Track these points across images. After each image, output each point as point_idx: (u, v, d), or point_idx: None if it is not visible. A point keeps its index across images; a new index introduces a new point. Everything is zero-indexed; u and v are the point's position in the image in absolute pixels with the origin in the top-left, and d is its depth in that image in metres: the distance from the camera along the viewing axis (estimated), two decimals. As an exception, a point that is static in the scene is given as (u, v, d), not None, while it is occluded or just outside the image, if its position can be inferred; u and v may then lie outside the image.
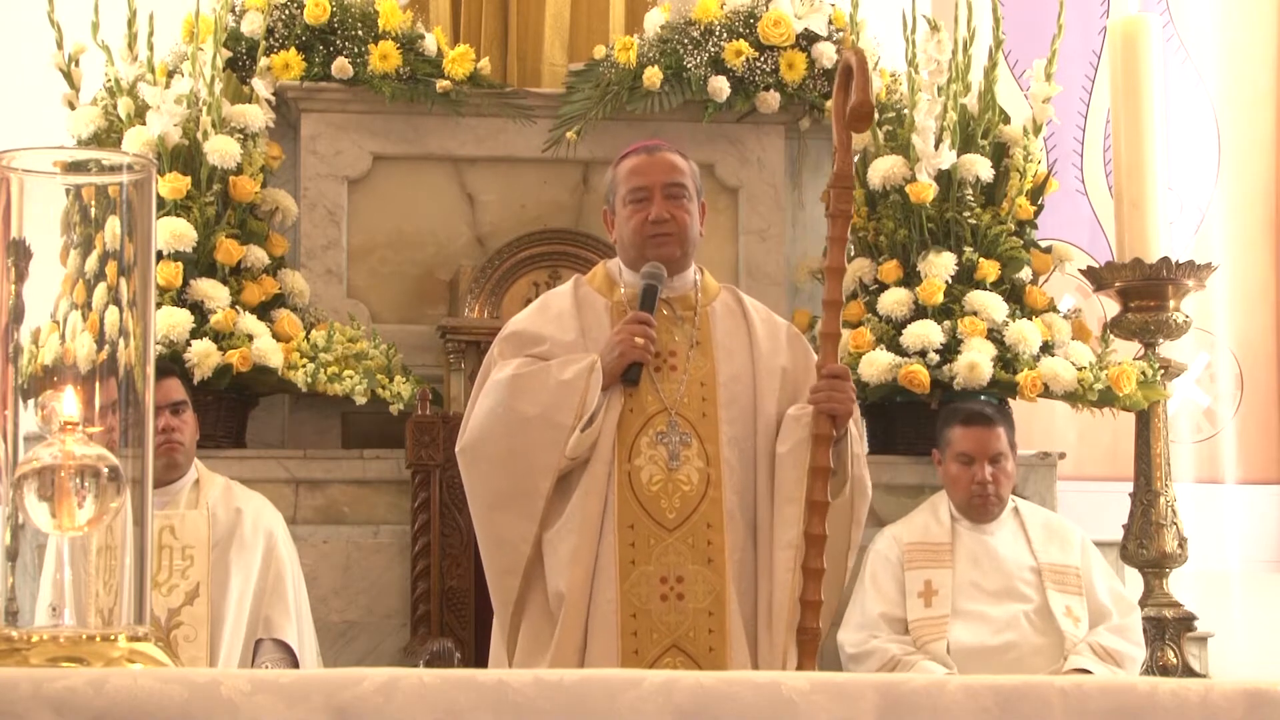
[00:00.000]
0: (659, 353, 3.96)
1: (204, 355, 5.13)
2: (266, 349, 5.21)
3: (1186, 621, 5.64)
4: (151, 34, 5.48)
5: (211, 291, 5.28)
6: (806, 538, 3.76)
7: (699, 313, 4.04)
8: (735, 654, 3.82)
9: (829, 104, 5.78)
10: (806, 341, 4.17)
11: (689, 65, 5.68)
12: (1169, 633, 5.58)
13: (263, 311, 5.36)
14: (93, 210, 2.22)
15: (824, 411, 3.81)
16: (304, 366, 5.25)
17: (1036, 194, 5.78)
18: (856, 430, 3.97)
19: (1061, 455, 5.69)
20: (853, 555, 3.98)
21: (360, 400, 5.25)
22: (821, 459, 3.79)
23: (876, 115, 5.68)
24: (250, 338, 5.22)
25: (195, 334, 5.18)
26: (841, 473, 3.88)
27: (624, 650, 3.77)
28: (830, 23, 5.85)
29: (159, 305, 5.16)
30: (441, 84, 5.63)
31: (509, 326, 4.06)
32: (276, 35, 5.66)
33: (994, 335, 5.47)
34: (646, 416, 3.91)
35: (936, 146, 5.58)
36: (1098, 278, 5.79)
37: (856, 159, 5.81)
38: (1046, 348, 5.53)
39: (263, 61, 5.59)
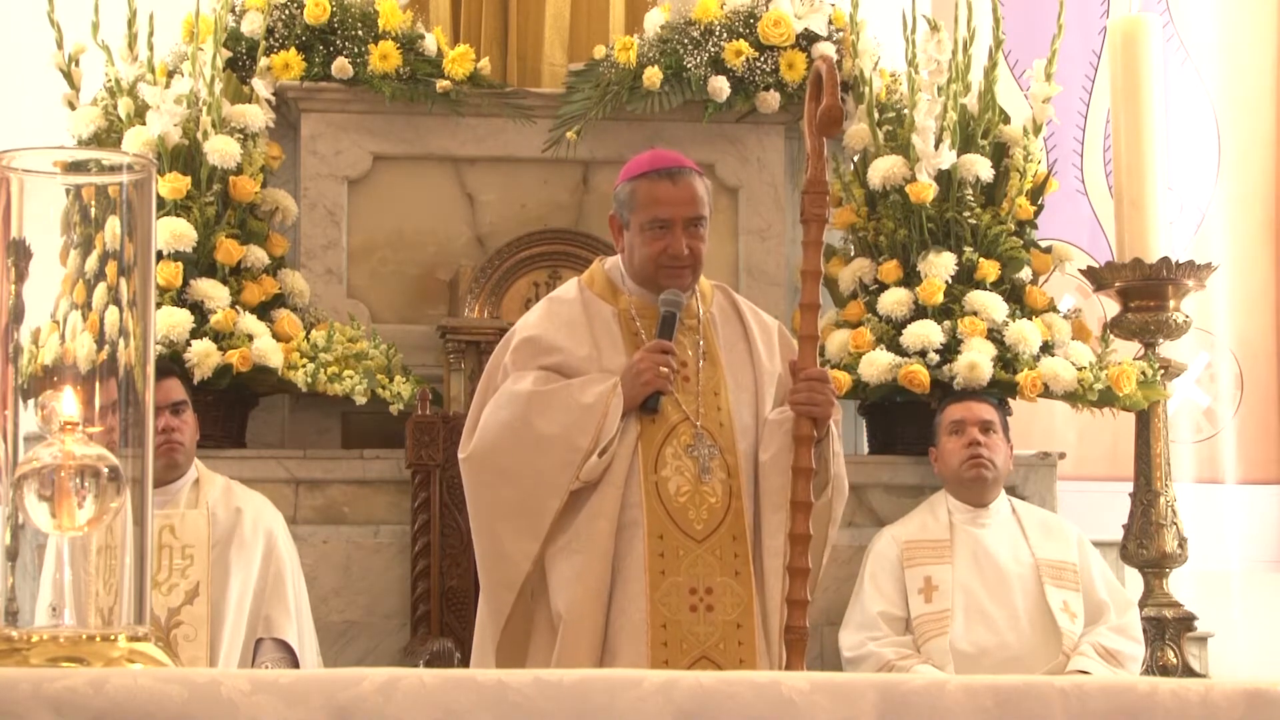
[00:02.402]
0: None
1: (204, 355, 5.13)
2: (266, 349, 5.21)
3: (1186, 621, 5.64)
4: (151, 34, 5.48)
5: (211, 291, 5.28)
6: (791, 538, 3.76)
7: (702, 320, 4.03)
8: (761, 665, 3.82)
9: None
10: (792, 339, 4.18)
11: (689, 65, 5.68)
12: (1169, 633, 5.58)
13: (263, 311, 5.36)
14: (93, 210, 2.21)
15: (805, 414, 3.81)
16: (304, 366, 5.25)
17: (1036, 194, 5.78)
18: (835, 429, 3.95)
19: (1061, 455, 5.69)
20: (827, 553, 3.98)
21: (360, 400, 5.25)
22: (804, 460, 3.79)
23: (877, 115, 5.69)
24: (250, 338, 5.22)
25: (195, 334, 5.18)
26: (823, 473, 3.88)
27: (654, 660, 3.76)
28: (830, 23, 5.85)
29: (159, 305, 5.16)
30: (441, 84, 5.63)
31: (520, 333, 4.00)
32: (276, 35, 5.66)
33: (994, 335, 5.47)
34: (669, 427, 3.89)
35: (936, 146, 5.58)
36: (1098, 278, 5.79)
37: (856, 159, 5.83)
38: (1046, 348, 5.53)
39: (263, 61, 5.60)
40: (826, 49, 5.77)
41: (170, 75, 5.51)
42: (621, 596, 3.81)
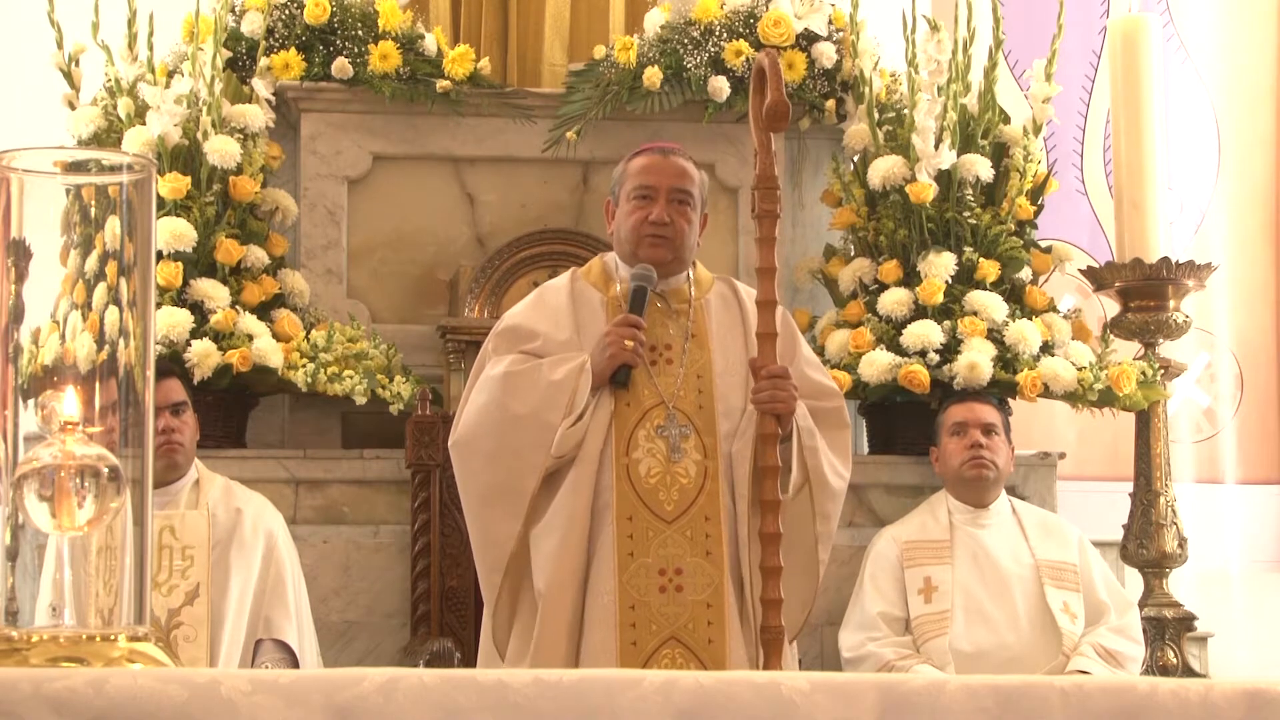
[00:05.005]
0: (654, 346, 3.98)
1: (204, 355, 5.13)
2: (266, 349, 5.21)
3: (1186, 621, 5.64)
4: (151, 34, 5.48)
5: (211, 291, 5.28)
6: (761, 537, 3.74)
7: (693, 305, 4.05)
8: (733, 646, 3.82)
9: (830, 103, 5.82)
10: (794, 326, 4.18)
11: (689, 65, 5.68)
12: (1169, 633, 5.58)
13: (263, 311, 5.36)
14: (93, 210, 2.21)
15: (767, 411, 3.81)
16: (304, 366, 5.25)
17: (1036, 194, 5.78)
18: (807, 424, 3.92)
19: (1061, 455, 5.69)
20: (823, 549, 3.95)
21: (360, 400, 5.25)
22: (769, 458, 3.78)
23: (877, 115, 5.69)
24: (250, 338, 5.22)
25: (195, 334, 5.18)
26: (798, 469, 3.87)
27: (622, 642, 3.78)
28: (830, 23, 5.85)
29: (159, 305, 5.16)
30: (441, 84, 5.63)
31: (504, 321, 4.08)
32: (276, 35, 5.66)
33: (994, 335, 5.47)
34: (643, 410, 3.92)
35: (936, 146, 5.58)
36: (1098, 278, 5.79)
37: (856, 158, 5.82)
38: (1046, 348, 5.53)
39: (263, 61, 5.60)
40: (826, 49, 5.77)
41: (170, 75, 5.51)
42: (595, 579, 3.84)
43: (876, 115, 5.69)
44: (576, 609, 3.83)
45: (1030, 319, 5.55)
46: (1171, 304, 5.70)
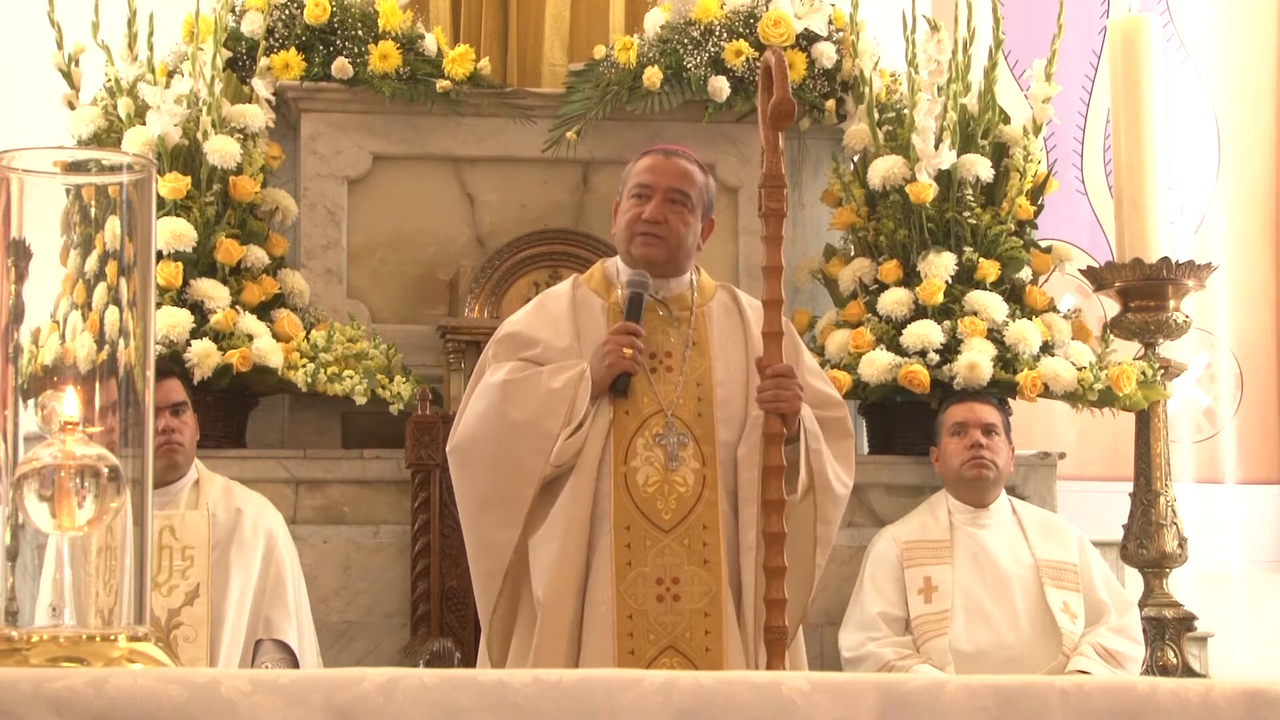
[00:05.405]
0: (655, 353, 3.97)
1: (204, 355, 5.13)
2: (266, 349, 5.21)
3: (1186, 621, 5.64)
4: (151, 34, 5.48)
5: (211, 291, 5.28)
6: (766, 537, 3.73)
7: (695, 313, 4.03)
8: (731, 655, 3.81)
9: (830, 103, 5.82)
10: (796, 336, 4.17)
11: (689, 65, 5.68)
12: (1169, 633, 5.58)
13: (263, 311, 5.36)
14: (93, 210, 2.21)
15: (771, 411, 3.80)
16: (304, 366, 5.25)
17: (1036, 194, 5.78)
18: (813, 427, 3.93)
19: (1061, 455, 5.69)
20: (820, 553, 3.94)
21: (360, 400, 5.25)
22: (774, 458, 3.77)
23: (877, 115, 5.69)
24: (250, 338, 5.22)
25: (195, 334, 5.18)
26: (796, 469, 3.86)
27: (620, 651, 3.77)
28: (830, 23, 5.85)
29: (159, 305, 5.16)
30: (441, 84, 5.63)
31: (504, 327, 4.07)
32: (276, 35, 5.66)
33: (994, 335, 5.47)
34: (642, 418, 3.91)
35: (936, 146, 5.58)
36: (1098, 278, 5.79)
37: (856, 158, 5.83)
38: (1046, 348, 5.53)
39: (263, 61, 5.60)
40: (826, 49, 5.77)
41: (170, 75, 5.51)
42: (593, 588, 3.83)
43: (876, 115, 5.69)
44: (576, 617, 3.82)
45: (1030, 319, 5.55)
46: (1171, 304, 5.71)
